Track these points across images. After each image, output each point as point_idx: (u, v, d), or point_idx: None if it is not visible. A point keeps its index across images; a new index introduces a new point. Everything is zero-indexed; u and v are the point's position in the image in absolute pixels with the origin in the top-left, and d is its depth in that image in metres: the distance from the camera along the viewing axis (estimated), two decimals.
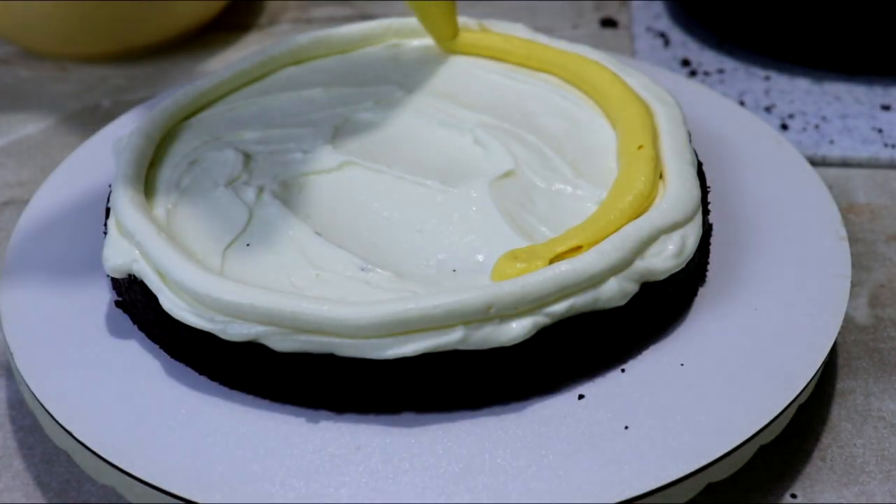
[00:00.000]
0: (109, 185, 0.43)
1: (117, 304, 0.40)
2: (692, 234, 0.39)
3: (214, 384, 0.37)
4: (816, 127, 0.59)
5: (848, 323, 0.46)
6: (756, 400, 0.36)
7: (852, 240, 0.50)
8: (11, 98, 0.67)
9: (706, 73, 0.65)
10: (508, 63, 0.51)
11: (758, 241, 0.43)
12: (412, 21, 0.52)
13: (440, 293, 0.34)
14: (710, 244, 0.43)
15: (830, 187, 0.50)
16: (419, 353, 0.34)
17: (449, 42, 0.51)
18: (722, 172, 0.47)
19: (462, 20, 0.52)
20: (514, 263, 0.36)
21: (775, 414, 0.35)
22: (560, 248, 0.37)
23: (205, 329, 0.35)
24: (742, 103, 0.61)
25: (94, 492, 0.39)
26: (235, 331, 0.35)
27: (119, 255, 0.38)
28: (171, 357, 0.38)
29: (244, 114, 0.47)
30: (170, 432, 0.35)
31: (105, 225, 0.41)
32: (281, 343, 0.35)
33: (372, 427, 0.35)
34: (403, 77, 0.50)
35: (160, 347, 0.39)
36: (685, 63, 0.66)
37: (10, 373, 0.44)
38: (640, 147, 0.42)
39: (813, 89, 0.63)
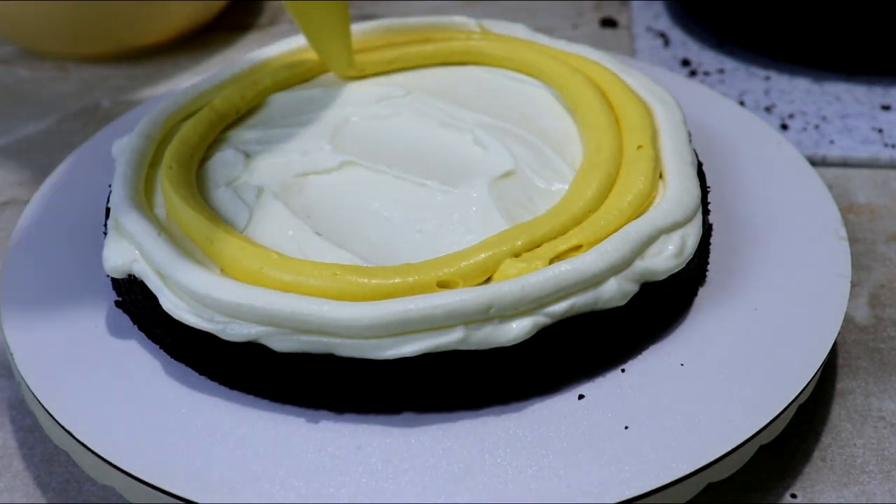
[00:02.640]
0: (109, 185, 0.43)
1: (117, 304, 0.40)
2: (692, 234, 0.38)
3: (214, 384, 0.37)
4: (816, 127, 0.59)
5: (848, 323, 0.46)
6: (756, 400, 0.36)
7: (852, 240, 0.50)
8: (11, 98, 0.67)
9: (706, 73, 0.65)
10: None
11: (758, 241, 0.43)
12: (412, 21, 0.52)
13: (440, 293, 0.34)
14: (710, 244, 0.43)
15: (830, 187, 0.50)
16: (419, 353, 0.34)
17: (345, 70, 0.49)
18: (722, 172, 0.47)
19: (461, 20, 0.52)
20: (514, 263, 0.36)
21: (775, 414, 0.35)
22: (560, 248, 0.37)
23: (205, 329, 0.35)
24: (742, 103, 0.61)
25: (94, 492, 0.39)
26: (235, 331, 0.35)
27: (119, 255, 0.38)
28: (171, 357, 0.38)
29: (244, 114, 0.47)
30: (170, 432, 0.35)
31: (105, 225, 0.41)
32: (281, 343, 0.35)
33: (372, 427, 0.35)
34: (403, 77, 0.50)
35: (160, 347, 0.39)
36: (685, 63, 0.66)
37: (10, 373, 0.44)
38: (640, 147, 0.42)
39: (813, 89, 0.63)
